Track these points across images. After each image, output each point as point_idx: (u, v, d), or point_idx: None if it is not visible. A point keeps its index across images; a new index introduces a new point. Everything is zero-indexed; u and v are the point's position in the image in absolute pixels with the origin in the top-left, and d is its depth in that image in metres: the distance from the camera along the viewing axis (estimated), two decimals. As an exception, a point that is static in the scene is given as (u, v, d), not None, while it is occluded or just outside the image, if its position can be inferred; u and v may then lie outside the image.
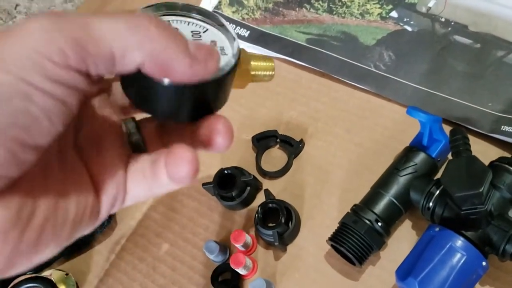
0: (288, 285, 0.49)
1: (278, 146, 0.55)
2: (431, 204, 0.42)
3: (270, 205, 0.49)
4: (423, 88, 0.53)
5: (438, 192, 0.42)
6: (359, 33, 0.58)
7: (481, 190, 0.37)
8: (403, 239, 0.47)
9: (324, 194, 0.51)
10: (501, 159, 0.43)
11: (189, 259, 0.52)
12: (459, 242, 0.39)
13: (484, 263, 0.40)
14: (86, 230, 0.26)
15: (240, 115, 0.57)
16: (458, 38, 0.54)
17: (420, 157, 0.45)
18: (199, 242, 0.52)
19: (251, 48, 0.61)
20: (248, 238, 0.49)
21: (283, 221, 0.48)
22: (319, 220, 0.50)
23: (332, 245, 0.47)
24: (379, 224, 0.44)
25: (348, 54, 0.57)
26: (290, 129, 0.55)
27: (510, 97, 0.50)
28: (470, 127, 0.49)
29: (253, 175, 0.52)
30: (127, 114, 0.29)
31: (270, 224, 0.49)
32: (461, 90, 0.52)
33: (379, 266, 0.47)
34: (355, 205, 0.47)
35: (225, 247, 0.51)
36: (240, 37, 0.62)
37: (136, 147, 0.29)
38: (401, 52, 0.55)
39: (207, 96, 0.26)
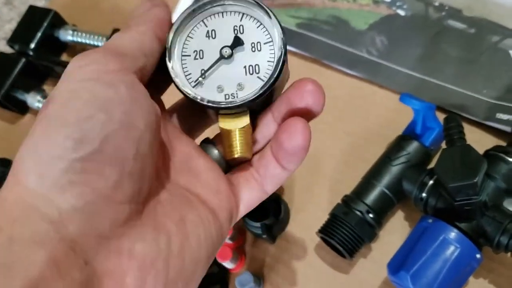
0: (277, 279, 0.47)
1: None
2: (424, 194, 0.41)
3: (258, 196, 0.47)
4: (416, 75, 0.51)
5: (431, 182, 0.41)
6: (351, 17, 0.56)
7: (475, 181, 0.35)
8: (395, 231, 0.46)
9: (314, 184, 0.50)
10: (496, 148, 0.42)
11: (175, 252, 0.51)
12: (453, 234, 0.38)
13: (478, 256, 0.38)
14: (217, 250, 0.27)
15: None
16: (452, 23, 0.52)
17: (413, 146, 0.44)
18: (185, 235, 0.50)
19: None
20: (235, 231, 0.48)
21: (271, 213, 0.46)
22: (309, 212, 0.49)
23: (322, 237, 0.45)
24: (371, 215, 0.43)
25: (339, 39, 0.55)
26: (279, 117, 0.53)
27: (505, 83, 0.48)
28: (464, 115, 0.48)
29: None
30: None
31: (258, 216, 0.47)
32: (455, 77, 0.50)
33: (371, 259, 0.46)
34: (346, 195, 0.45)
35: (212, 239, 0.49)
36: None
37: (227, 167, 0.30)
38: (394, 37, 0.54)
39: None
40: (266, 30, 0.29)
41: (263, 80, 0.28)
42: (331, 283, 0.46)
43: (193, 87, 0.29)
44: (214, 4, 0.30)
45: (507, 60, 0.49)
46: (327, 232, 0.43)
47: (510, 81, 0.48)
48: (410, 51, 0.52)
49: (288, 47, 0.57)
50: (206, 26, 0.30)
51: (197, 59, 0.29)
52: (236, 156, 0.28)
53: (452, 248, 0.38)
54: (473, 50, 0.50)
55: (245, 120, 0.29)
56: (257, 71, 0.29)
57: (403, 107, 0.45)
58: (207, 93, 0.28)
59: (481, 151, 0.42)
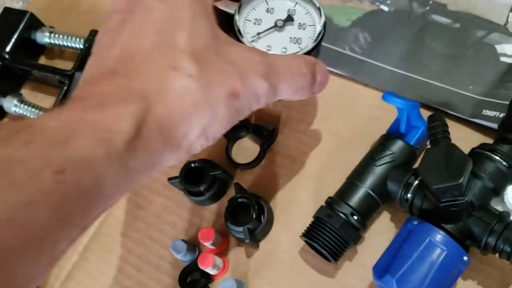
0: (261, 284, 0.46)
1: (249, 136, 0.52)
2: (409, 195, 0.40)
3: (240, 199, 0.46)
4: (400, 72, 0.50)
5: (416, 182, 0.40)
6: (333, 14, 0.54)
7: (461, 181, 0.34)
8: (381, 232, 0.44)
9: (298, 186, 0.48)
10: (482, 146, 0.40)
11: (156, 259, 0.49)
12: (439, 236, 0.37)
13: (465, 258, 0.37)
14: None
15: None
16: (436, 17, 0.51)
17: (398, 145, 0.43)
18: (167, 241, 0.49)
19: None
20: (217, 236, 0.46)
21: (254, 216, 0.45)
22: (293, 214, 0.47)
23: (306, 241, 0.44)
24: (355, 217, 0.42)
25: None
26: (262, 117, 0.52)
27: (491, 79, 0.47)
28: (450, 112, 0.46)
29: (223, 168, 0.49)
30: None
31: (240, 220, 0.46)
32: (441, 73, 0.49)
33: (356, 262, 0.44)
34: (329, 197, 0.44)
35: (193, 245, 0.48)
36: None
37: None
38: (378, 33, 0.52)
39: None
40: (312, 16, 0.42)
41: (301, 49, 0.40)
42: (316, 287, 0.45)
43: (250, 42, 0.40)
44: None
45: (493, 55, 0.48)
46: (311, 235, 0.42)
47: (496, 77, 0.47)
48: (394, 48, 0.51)
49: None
50: (267, 4, 0.42)
51: (255, 24, 0.42)
52: None
53: (438, 251, 0.36)
54: (458, 46, 0.49)
55: None
56: (299, 43, 0.41)
57: (387, 105, 0.43)
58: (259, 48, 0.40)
59: (467, 149, 0.40)
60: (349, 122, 0.50)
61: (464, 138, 0.42)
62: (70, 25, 0.62)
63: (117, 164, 0.27)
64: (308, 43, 0.40)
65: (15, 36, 0.59)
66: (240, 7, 0.41)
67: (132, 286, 0.49)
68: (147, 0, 0.33)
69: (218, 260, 0.46)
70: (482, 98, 0.46)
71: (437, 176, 0.35)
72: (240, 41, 0.40)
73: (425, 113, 0.43)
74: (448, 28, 0.50)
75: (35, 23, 0.61)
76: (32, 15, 0.60)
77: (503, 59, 0.47)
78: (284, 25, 0.41)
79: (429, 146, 0.39)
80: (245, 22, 0.42)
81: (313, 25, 0.42)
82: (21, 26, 0.60)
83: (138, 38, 0.32)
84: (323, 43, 0.51)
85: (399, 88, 0.48)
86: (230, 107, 0.32)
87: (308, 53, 0.40)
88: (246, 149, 0.51)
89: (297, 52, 0.40)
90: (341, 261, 0.43)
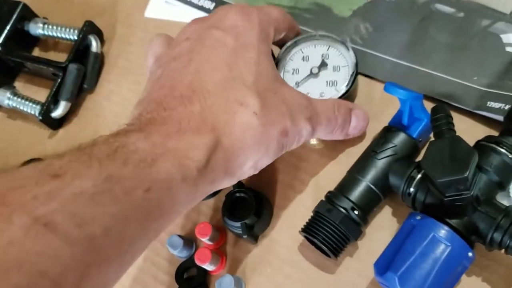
0: (259, 281, 0.45)
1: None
2: (412, 189, 0.39)
3: (238, 194, 0.45)
4: (403, 63, 0.49)
5: (419, 176, 0.38)
6: (333, 4, 0.53)
7: (466, 175, 0.33)
8: (383, 228, 0.43)
9: (297, 180, 0.47)
10: (487, 138, 0.39)
11: (152, 255, 0.48)
12: (443, 231, 0.36)
13: (470, 254, 0.36)
14: None
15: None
16: (439, 6, 0.50)
17: (400, 137, 0.41)
18: (163, 236, 0.47)
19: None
20: (215, 231, 0.45)
21: (252, 211, 0.44)
22: (293, 209, 0.46)
23: (305, 237, 0.43)
24: (356, 212, 0.40)
25: (322, 28, 0.52)
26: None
27: (496, 69, 0.46)
28: (454, 104, 0.45)
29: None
30: None
31: (238, 215, 0.45)
32: (444, 64, 0.47)
33: (357, 258, 0.43)
34: (329, 192, 0.43)
35: (190, 241, 0.47)
36: (205, 10, 0.57)
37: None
38: (379, 23, 0.51)
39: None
40: (344, 58, 0.45)
41: (338, 91, 0.43)
42: (316, 283, 0.43)
43: None
44: (311, 39, 0.46)
45: (498, 45, 0.46)
46: (310, 231, 0.41)
47: (501, 67, 0.45)
48: (396, 38, 0.50)
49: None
50: (303, 53, 0.46)
51: (293, 74, 0.45)
52: (312, 143, 0.45)
53: (442, 246, 0.35)
54: (463, 35, 0.48)
55: None
56: (335, 85, 0.44)
57: (389, 97, 0.42)
58: None
59: (472, 141, 0.39)
60: (349, 114, 0.48)
61: (468, 131, 0.41)
62: (64, 16, 0.61)
63: (189, 187, 0.31)
64: (342, 84, 0.43)
65: (7, 28, 0.58)
66: (279, 62, 0.45)
67: (128, 283, 0.47)
68: (217, 32, 0.36)
69: (216, 256, 0.44)
70: (487, 89, 0.45)
71: (442, 170, 0.34)
72: None
73: (428, 105, 0.42)
74: (451, 17, 0.49)
75: (28, 14, 0.60)
76: (25, 5, 0.59)
77: (508, 49, 0.46)
78: (319, 71, 0.45)
79: (432, 139, 0.38)
80: (284, 74, 0.45)
81: (347, 65, 0.44)
82: (14, 17, 0.58)
83: (210, 70, 0.35)
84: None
85: (401, 79, 0.47)
86: (279, 143, 0.36)
87: (344, 94, 0.43)
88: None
89: (334, 95, 0.43)
90: (341, 257, 0.42)
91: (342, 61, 0.45)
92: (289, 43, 0.46)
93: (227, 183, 0.35)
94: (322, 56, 0.45)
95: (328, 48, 0.45)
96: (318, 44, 0.46)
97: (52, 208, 0.25)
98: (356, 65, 0.44)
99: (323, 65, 0.45)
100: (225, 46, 0.36)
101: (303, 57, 0.46)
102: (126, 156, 0.29)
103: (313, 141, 0.44)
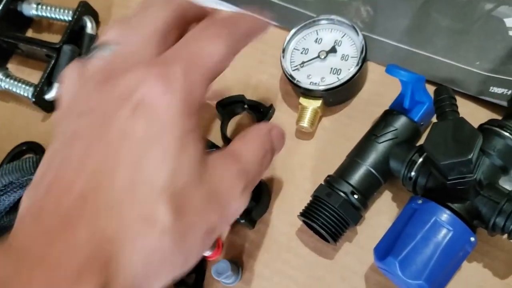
0: (257, 266, 0.44)
1: (245, 112, 0.50)
2: (413, 173, 0.38)
3: (235, 178, 0.44)
4: (404, 47, 0.48)
5: (421, 160, 0.38)
6: (334, -14, 0.52)
7: (470, 157, 0.32)
8: (382, 212, 0.43)
9: (296, 164, 0.46)
10: (491, 122, 0.38)
11: (148, 239, 0.47)
12: (445, 215, 0.35)
13: (472, 239, 0.35)
14: None
15: (203, 79, 0.52)
16: (442, -11, 0.49)
17: (401, 121, 0.41)
18: (158, 221, 0.47)
19: (218, 5, 0.55)
20: (211, 215, 0.44)
21: (250, 195, 0.43)
22: (291, 194, 0.45)
23: (304, 221, 0.42)
24: (356, 196, 0.40)
25: (322, 11, 0.51)
26: (259, 93, 0.50)
27: (499, 54, 0.45)
28: (455, 89, 0.44)
29: (218, 146, 0.47)
30: None
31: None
32: (446, 48, 0.47)
33: (356, 243, 0.42)
34: (329, 176, 0.42)
35: (186, 225, 0.46)
36: (203, -8, 0.56)
37: None
38: (380, 6, 0.50)
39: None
40: (356, 48, 0.45)
41: (339, 80, 0.43)
42: (314, 269, 0.43)
43: (292, 70, 0.45)
44: (328, 22, 0.46)
45: (502, 29, 0.45)
46: (309, 215, 0.40)
47: (504, 52, 0.45)
48: (398, 22, 0.49)
49: (270, 20, 0.54)
50: (317, 34, 0.46)
51: (302, 54, 0.46)
52: (302, 124, 0.45)
53: (444, 231, 0.35)
54: (465, 19, 0.47)
55: (317, 103, 0.45)
56: (338, 73, 0.44)
57: (390, 80, 0.41)
58: (299, 77, 0.45)
59: (474, 125, 0.38)
60: (349, 98, 0.47)
61: (471, 115, 0.40)
62: (59, -4, 0.59)
63: None
64: (346, 74, 0.43)
65: (0, 8, 0.57)
66: (289, 40, 0.46)
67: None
68: (124, 113, 0.26)
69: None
70: (489, 74, 0.44)
71: (445, 152, 0.33)
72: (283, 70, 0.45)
73: (429, 90, 0.41)
74: (454, 0, 0.48)
75: (21, -6, 0.58)
76: (18, -15, 0.58)
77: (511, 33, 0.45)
78: (326, 56, 0.45)
79: (435, 121, 0.37)
80: (293, 51, 0.46)
81: (356, 57, 0.44)
82: (7, -3, 0.57)
83: (111, 171, 0.25)
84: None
85: (402, 63, 0.46)
86: (204, 244, 0.28)
87: (344, 83, 0.43)
88: (242, 126, 0.49)
89: (335, 82, 0.43)
90: (340, 242, 0.41)
91: (352, 51, 0.45)
92: (303, 23, 0.46)
93: None
94: (335, 42, 0.46)
95: (343, 36, 0.46)
96: (334, 30, 0.46)
97: None
98: (364, 55, 0.44)
99: (332, 51, 0.45)
100: (133, 134, 0.26)
101: (317, 39, 0.46)
102: None
103: (303, 124, 0.45)
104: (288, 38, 0.46)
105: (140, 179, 0.25)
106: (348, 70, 0.44)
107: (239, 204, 0.30)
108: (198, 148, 0.27)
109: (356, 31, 0.45)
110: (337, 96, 0.46)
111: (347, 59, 0.45)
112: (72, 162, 0.26)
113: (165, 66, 0.27)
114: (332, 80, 0.44)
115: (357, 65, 0.44)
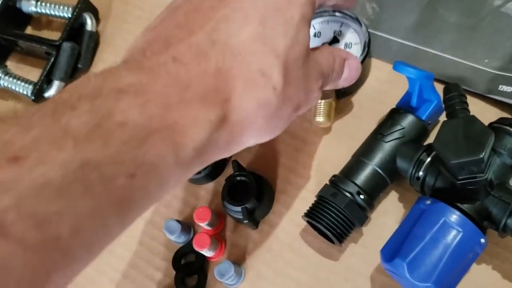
0: (260, 267, 0.43)
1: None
2: (421, 173, 0.37)
3: (238, 178, 0.43)
4: (410, 44, 0.47)
5: (429, 159, 0.37)
6: (339, -17, 0.51)
7: (481, 156, 0.31)
8: (389, 213, 0.42)
9: (300, 163, 0.45)
10: (501, 120, 0.37)
11: (149, 240, 0.46)
12: (454, 216, 0.34)
13: (482, 240, 0.34)
14: None
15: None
16: (449, -15, 0.48)
17: (408, 119, 0.40)
18: (160, 221, 0.46)
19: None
20: (214, 216, 0.43)
21: (253, 195, 0.42)
22: (294, 194, 0.45)
23: (308, 222, 0.41)
24: (361, 196, 0.39)
25: (327, 8, 0.50)
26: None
27: (508, 52, 0.44)
28: (464, 88, 0.43)
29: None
30: None
31: (239, 200, 0.43)
32: (454, 45, 0.46)
33: (362, 244, 0.42)
34: (334, 175, 0.41)
35: (188, 226, 0.45)
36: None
37: None
38: (386, 3, 0.49)
39: None
40: (357, 35, 0.44)
41: None
42: (319, 270, 0.42)
43: None
44: (324, 14, 0.45)
45: (511, 26, 0.44)
46: (314, 215, 0.39)
47: (513, 49, 0.44)
48: (404, 18, 0.48)
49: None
50: (314, 29, 0.45)
51: None
52: (319, 120, 0.43)
53: (453, 232, 0.34)
54: (473, 15, 0.46)
55: (331, 95, 0.43)
56: None
57: (396, 78, 0.41)
58: None
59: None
60: (355, 96, 0.46)
61: (480, 113, 0.39)
62: (58, -7, 0.59)
63: (182, 169, 0.27)
64: None
65: (-1, 5, 0.56)
66: None
67: (124, 268, 0.46)
68: None
69: (215, 242, 0.43)
70: (498, 72, 0.43)
71: (455, 151, 0.32)
72: None
73: (438, 88, 0.40)
74: (462, -4, 0.47)
75: (20, -9, 0.57)
76: (17, -18, 0.57)
77: (521, 30, 0.44)
78: None
79: (443, 120, 0.36)
80: None
81: (359, 43, 0.43)
82: (6, -6, 0.56)
83: (241, 21, 0.29)
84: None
85: (408, 61, 0.45)
86: (289, 119, 0.32)
87: None
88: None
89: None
90: (345, 243, 0.40)
91: (355, 38, 0.44)
92: None
93: (221, 157, 0.30)
94: (334, 32, 0.45)
95: (341, 25, 0.45)
96: (331, 21, 0.45)
97: (3, 204, 0.20)
98: (369, 41, 0.43)
99: (334, 41, 0.44)
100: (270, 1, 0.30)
101: (315, 33, 0.45)
102: (110, 133, 0.23)
103: (320, 118, 0.43)
104: None
105: (266, 36, 0.29)
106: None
107: (317, 95, 0.33)
108: (308, 33, 0.31)
109: (353, 18, 0.44)
110: (349, 87, 0.43)
111: (351, 46, 0.44)
112: (199, 11, 0.29)
113: None
114: None
115: (363, 50, 0.43)
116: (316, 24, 0.46)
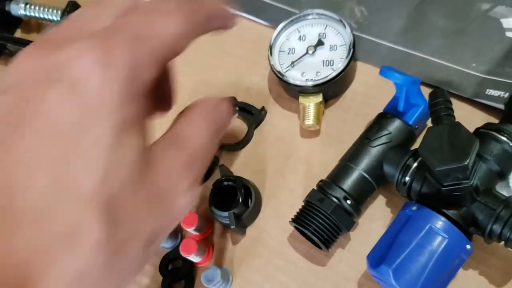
0: (247, 273, 0.43)
1: (236, 115, 0.49)
2: (407, 178, 0.37)
3: (226, 183, 0.43)
4: (399, 48, 0.47)
5: (415, 164, 0.37)
6: (328, -14, 0.51)
7: (466, 163, 0.31)
8: (376, 218, 0.42)
9: (288, 169, 0.45)
10: (487, 126, 0.37)
11: (136, 245, 0.46)
12: (440, 223, 0.34)
13: (468, 246, 0.34)
14: None
15: (193, 80, 0.51)
16: (438, -11, 0.48)
17: (395, 124, 0.40)
18: (147, 226, 0.45)
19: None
20: (201, 221, 0.43)
21: (240, 200, 0.42)
22: (283, 199, 0.44)
23: (295, 227, 0.41)
24: (348, 202, 0.39)
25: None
26: (251, 95, 0.49)
27: (496, 56, 0.44)
28: (451, 91, 0.43)
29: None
30: None
31: (226, 205, 0.43)
32: (442, 49, 0.45)
33: (349, 250, 0.41)
34: (321, 180, 0.41)
35: (175, 231, 0.45)
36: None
37: None
38: (375, 7, 0.49)
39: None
40: (342, 37, 0.44)
41: (334, 70, 0.42)
42: (306, 276, 0.42)
43: (284, 72, 0.44)
44: (307, 17, 0.46)
45: (499, 30, 0.44)
46: (301, 221, 0.39)
47: (501, 54, 0.44)
48: (392, 22, 0.48)
49: (262, 21, 0.53)
50: (299, 32, 0.46)
51: (289, 54, 0.45)
52: (307, 123, 0.43)
53: (439, 238, 0.34)
54: (461, 20, 0.46)
55: (318, 98, 0.43)
56: (331, 64, 0.44)
57: (384, 83, 0.40)
58: (293, 76, 0.44)
59: (471, 129, 0.37)
60: (344, 100, 0.46)
61: (467, 118, 0.39)
62: (47, -5, 0.58)
63: None
64: (339, 64, 0.43)
65: (-13, 8, 0.55)
66: (273, 42, 0.45)
67: (110, 274, 0.45)
68: (54, 93, 0.20)
69: (202, 247, 0.43)
70: (486, 76, 0.43)
71: (440, 157, 0.32)
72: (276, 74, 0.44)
73: (425, 92, 0.40)
74: (450, 0, 0.47)
75: (9, -6, 0.57)
76: (5, -15, 0.56)
77: (508, 34, 0.44)
78: (315, 50, 0.44)
79: (430, 125, 0.36)
80: (280, 54, 0.45)
81: (344, 44, 0.44)
82: (-6, -4, 0.56)
83: (25, 170, 0.20)
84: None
85: (397, 65, 0.45)
86: (145, 255, 0.23)
87: (340, 73, 0.42)
88: (232, 129, 0.48)
89: (330, 74, 0.42)
90: (333, 248, 0.40)
91: (339, 40, 0.45)
92: (284, 23, 0.46)
93: None
94: (319, 35, 0.45)
95: (326, 28, 0.45)
96: (315, 24, 0.46)
97: None
98: (354, 43, 0.43)
99: (319, 44, 0.45)
100: (60, 123, 0.20)
101: (300, 36, 0.46)
102: None
103: (309, 122, 0.43)
104: (271, 41, 0.45)
105: (64, 182, 0.20)
106: (341, 59, 0.43)
107: (186, 201, 0.24)
108: (139, 141, 0.22)
109: (337, 20, 0.45)
110: (336, 87, 0.45)
111: (336, 48, 0.44)
112: None
113: (107, 38, 0.22)
114: (327, 72, 0.43)
115: (348, 51, 0.43)
116: (301, 27, 0.46)
